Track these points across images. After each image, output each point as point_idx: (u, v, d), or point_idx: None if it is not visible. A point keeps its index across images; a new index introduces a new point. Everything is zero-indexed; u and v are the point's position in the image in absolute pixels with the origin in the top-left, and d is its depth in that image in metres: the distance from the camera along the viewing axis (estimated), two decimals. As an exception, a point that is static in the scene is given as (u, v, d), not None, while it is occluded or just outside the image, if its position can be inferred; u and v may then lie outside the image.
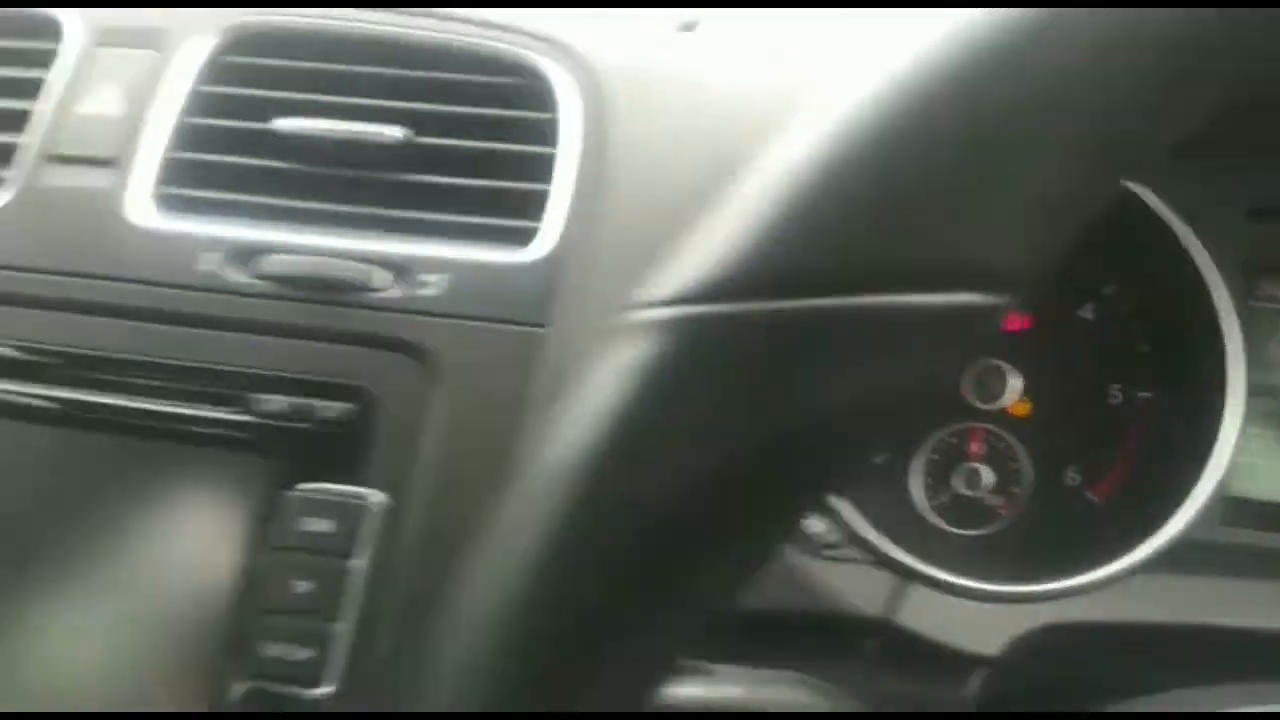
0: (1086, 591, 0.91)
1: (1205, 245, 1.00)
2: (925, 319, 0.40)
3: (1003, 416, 1.13)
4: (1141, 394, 1.11)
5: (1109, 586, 0.92)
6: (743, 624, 0.84)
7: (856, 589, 0.88)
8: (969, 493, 1.12)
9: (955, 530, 1.13)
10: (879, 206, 0.39)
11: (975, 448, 1.14)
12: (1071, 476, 1.12)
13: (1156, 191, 0.98)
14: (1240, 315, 1.05)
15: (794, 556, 0.88)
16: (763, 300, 0.39)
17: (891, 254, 0.39)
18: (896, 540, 0.97)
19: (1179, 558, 0.97)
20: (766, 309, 0.39)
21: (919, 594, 0.89)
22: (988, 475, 1.12)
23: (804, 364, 0.39)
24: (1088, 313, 1.13)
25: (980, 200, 0.40)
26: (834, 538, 0.88)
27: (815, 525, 0.88)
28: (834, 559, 0.88)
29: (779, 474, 0.40)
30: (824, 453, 0.40)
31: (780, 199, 0.39)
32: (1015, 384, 1.11)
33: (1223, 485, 1.00)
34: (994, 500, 1.13)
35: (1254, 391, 1.10)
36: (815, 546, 0.88)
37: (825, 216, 0.39)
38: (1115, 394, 1.12)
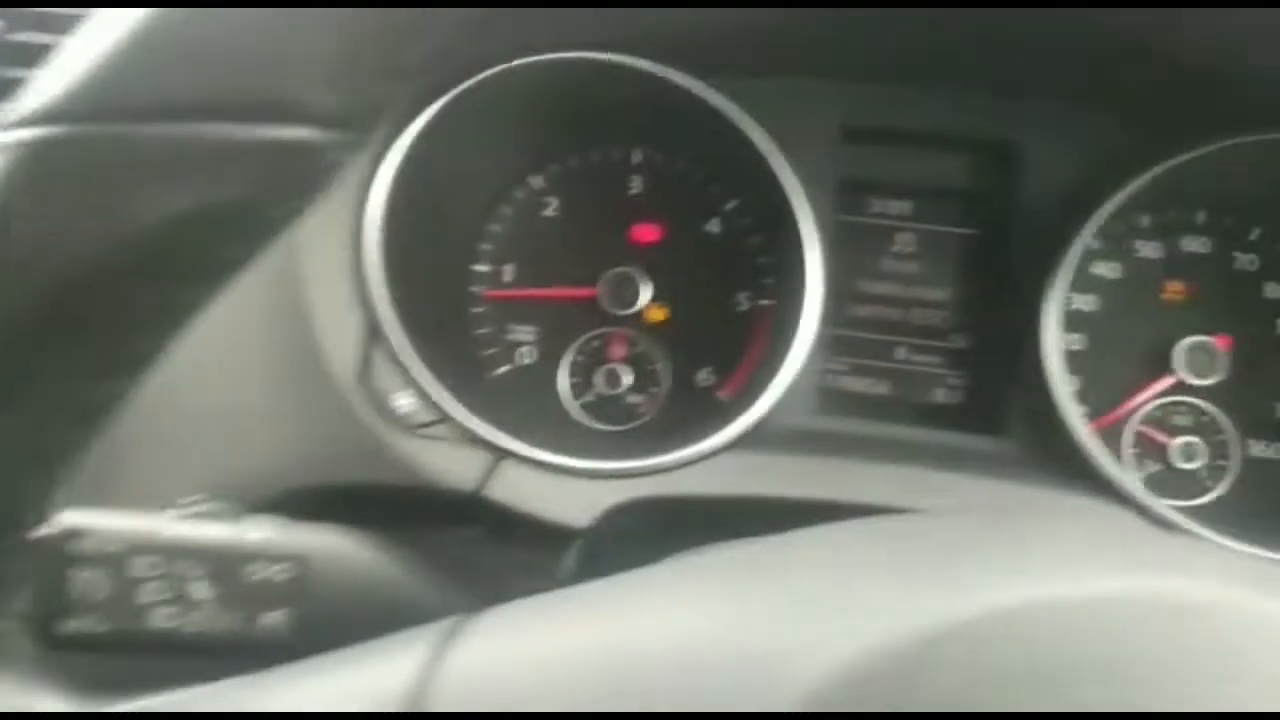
0: (670, 469, 1.00)
1: (797, 164, 1.10)
2: (250, 148, 0.46)
3: (641, 322, 1.22)
4: (763, 301, 1.21)
5: (698, 464, 1.02)
6: (334, 496, 0.90)
7: (451, 466, 0.95)
8: (609, 391, 1.21)
9: (599, 426, 1.22)
10: (203, 42, 0.45)
11: (616, 350, 1.22)
12: (705, 377, 1.23)
13: (748, 114, 1.07)
14: (829, 229, 1.17)
15: (387, 434, 0.94)
16: (96, 124, 0.44)
17: (216, 87, 0.45)
18: (532, 432, 1.05)
19: (774, 441, 1.08)
20: (100, 132, 0.44)
21: (514, 470, 0.97)
22: (627, 376, 1.21)
23: (136, 184, 0.44)
24: (714, 226, 1.23)
25: (297, 45, 0.46)
26: (426, 416, 0.95)
27: (405, 404, 0.94)
28: (425, 437, 0.95)
29: (123, 285, 0.45)
30: (166, 267, 0.46)
31: (116, 31, 0.44)
32: (647, 292, 1.20)
33: (804, 378, 1.11)
34: (635, 399, 1.23)
35: (855, 298, 1.23)
36: (407, 425, 0.94)
37: (152, 49, 0.44)
38: (742, 301, 1.22)
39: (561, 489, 0.96)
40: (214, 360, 0.92)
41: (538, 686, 0.45)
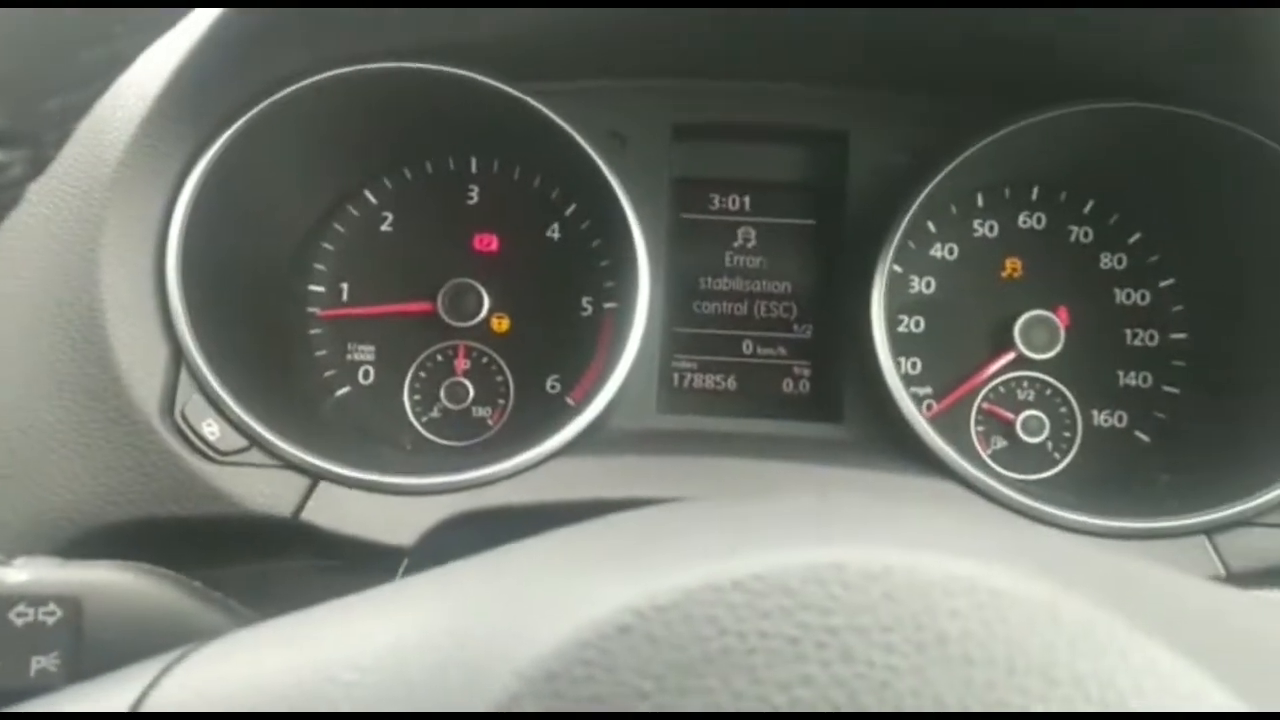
0: (501, 478, 0.98)
1: (626, 165, 1.09)
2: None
3: (485, 333, 1.20)
4: (608, 304, 1.20)
5: (532, 470, 0.99)
6: (142, 532, 0.86)
7: (266, 493, 0.92)
8: (454, 406, 1.18)
9: (445, 442, 1.19)
10: None
11: (460, 364, 1.20)
12: (552, 384, 1.20)
13: (574, 117, 1.06)
14: (667, 229, 1.16)
15: (196, 464, 0.91)
16: None
17: None
18: (359, 453, 1.02)
19: (614, 443, 1.06)
20: None
21: (333, 493, 0.94)
22: (471, 389, 1.18)
23: None
24: (554, 232, 1.21)
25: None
26: (235, 444, 0.92)
27: (213, 431, 0.91)
28: (236, 464, 0.92)
29: None
30: None
31: None
32: (489, 302, 1.18)
33: (644, 378, 1.10)
34: (481, 412, 1.20)
35: (700, 295, 1.22)
36: (217, 453, 0.91)
37: None
38: (586, 306, 1.21)
39: (385, 509, 0.94)
40: (3, 395, 0.88)
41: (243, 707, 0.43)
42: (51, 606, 0.69)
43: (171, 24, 0.50)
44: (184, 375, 0.92)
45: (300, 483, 0.93)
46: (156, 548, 0.86)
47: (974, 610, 0.40)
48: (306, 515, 0.92)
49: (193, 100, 0.94)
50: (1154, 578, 0.51)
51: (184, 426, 0.91)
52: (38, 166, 0.51)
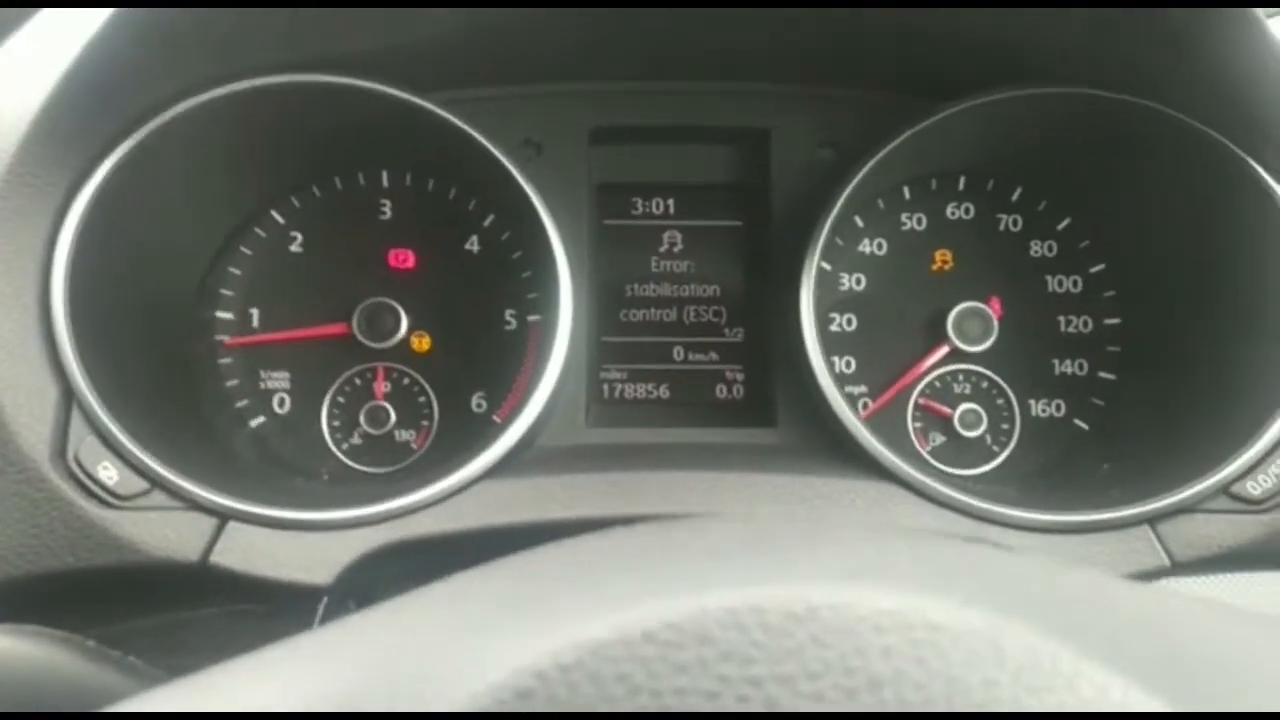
0: (424, 506, 0.93)
1: (540, 173, 1.05)
2: None
3: (405, 353, 1.15)
4: (532, 317, 1.15)
5: (456, 496, 0.95)
6: (39, 588, 0.80)
7: (170, 537, 0.86)
8: (375, 431, 1.13)
9: (367, 469, 1.14)
10: None
11: (380, 386, 1.15)
12: (478, 402, 1.16)
13: (485, 125, 1.01)
14: (589, 236, 1.12)
15: (94, 510, 0.85)
16: None
17: None
18: (270, 488, 0.96)
19: (541, 462, 1.01)
20: None
21: (244, 533, 0.88)
22: (393, 412, 1.13)
23: None
24: (473, 245, 1.17)
25: None
26: (135, 488, 0.86)
27: (109, 476, 0.85)
28: (137, 508, 0.86)
29: None
30: None
31: None
32: (407, 321, 1.13)
33: (570, 391, 1.06)
34: (405, 435, 1.15)
35: (626, 303, 1.18)
36: (113, 498, 0.85)
37: None
38: (510, 320, 1.16)
39: (300, 546, 0.89)
40: None
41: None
42: (-76, 681, 0.64)
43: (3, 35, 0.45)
44: (76, 416, 0.86)
45: (207, 524, 0.87)
46: (54, 604, 0.81)
47: (909, 648, 0.37)
48: (215, 558, 0.86)
49: (72, 125, 0.88)
50: (1094, 588, 0.48)
51: (78, 471, 0.85)
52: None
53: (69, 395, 0.87)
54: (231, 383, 1.14)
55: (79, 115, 0.89)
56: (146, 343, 1.01)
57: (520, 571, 0.46)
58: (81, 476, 0.85)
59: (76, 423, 0.87)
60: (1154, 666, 0.37)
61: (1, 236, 0.86)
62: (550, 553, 0.47)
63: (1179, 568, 0.90)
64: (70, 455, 0.85)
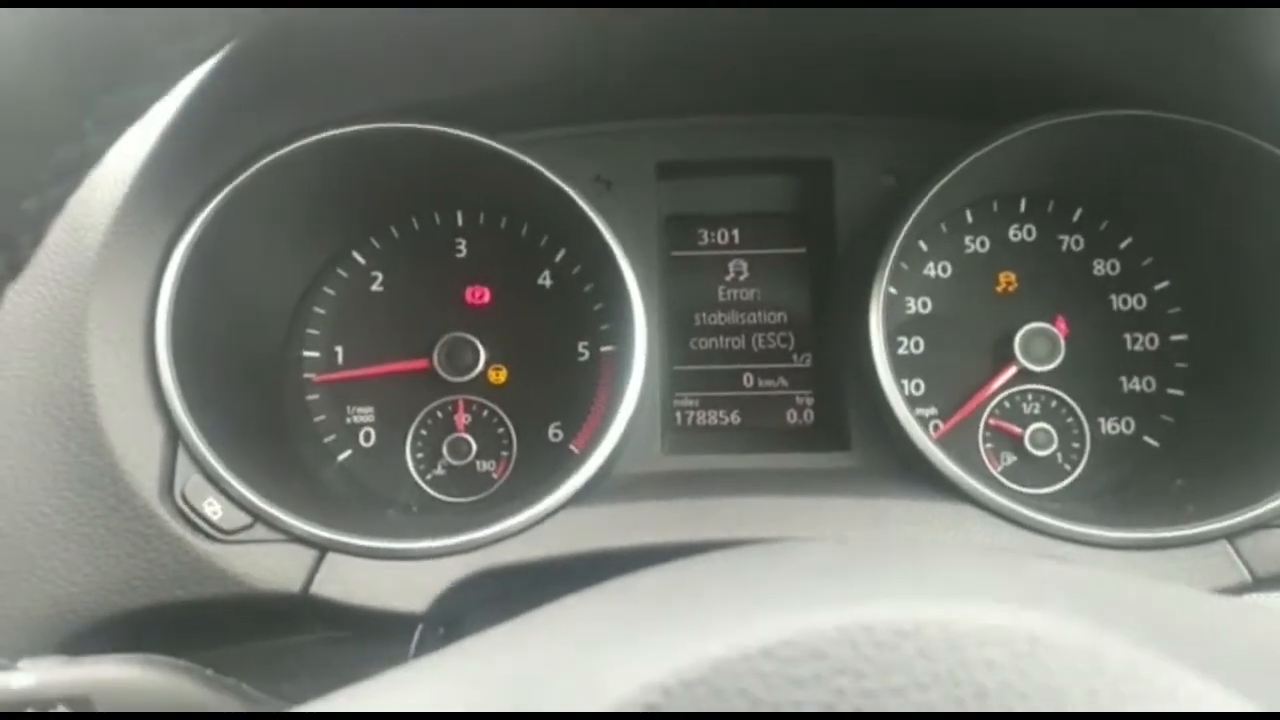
0: (509, 535, 0.97)
1: (612, 208, 1.09)
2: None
3: (483, 386, 1.19)
4: (605, 347, 1.19)
5: (540, 524, 0.98)
6: (148, 620, 0.84)
7: (273, 569, 0.90)
8: (456, 462, 1.17)
9: (450, 499, 1.18)
10: None
11: (461, 418, 1.19)
12: (554, 432, 1.19)
13: (555, 164, 1.05)
14: (659, 267, 1.16)
15: (200, 545, 0.89)
16: None
17: None
18: (364, 520, 1.00)
19: (620, 489, 1.04)
20: None
21: (341, 563, 0.92)
22: (473, 443, 1.17)
23: None
24: (545, 280, 1.20)
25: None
26: (238, 522, 0.90)
27: (214, 511, 0.89)
28: (241, 542, 0.90)
29: None
30: None
31: None
32: (485, 354, 1.17)
33: (645, 420, 1.09)
34: (485, 465, 1.19)
35: (696, 331, 1.21)
36: (219, 533, 0.89)
37: None
38: (583, 351, 1.19)
39: (395, 575, 0.92)
40: (-2, 491, 0.87)
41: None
42: (61, 708, 0.68)
43: (142, 113, 0.50)
44: (181, 455, 0.91)
45: (307, 556, 0.91)
46: (163, 634, 0.85)
47: (1011, 660, 0.39)
48: (316, 589, 0.90)
49: (171, 177, 0.94)
50: (1186, 602, 0.50)
51: (185, 508, 0.89)
52: (14, 269, 0.50)
53: (174, 435, 0.92)
54: (320, 418, 1.18)
55: (177, 168, 0.94)
56: (242, 382, 1.06)
57: (630, 594, 0.48)
58: (188, 512, 0.89)
59: (182, 461, 0.91)
60: (1250, 676, 0.39)
61: (108, 286, 0.91)
62: (657, 575, 0.49)
63: (1260, 583, 0.90)
64: (177, 492, 0.90)
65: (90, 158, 0.48)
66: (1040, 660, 0.39)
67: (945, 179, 1.07)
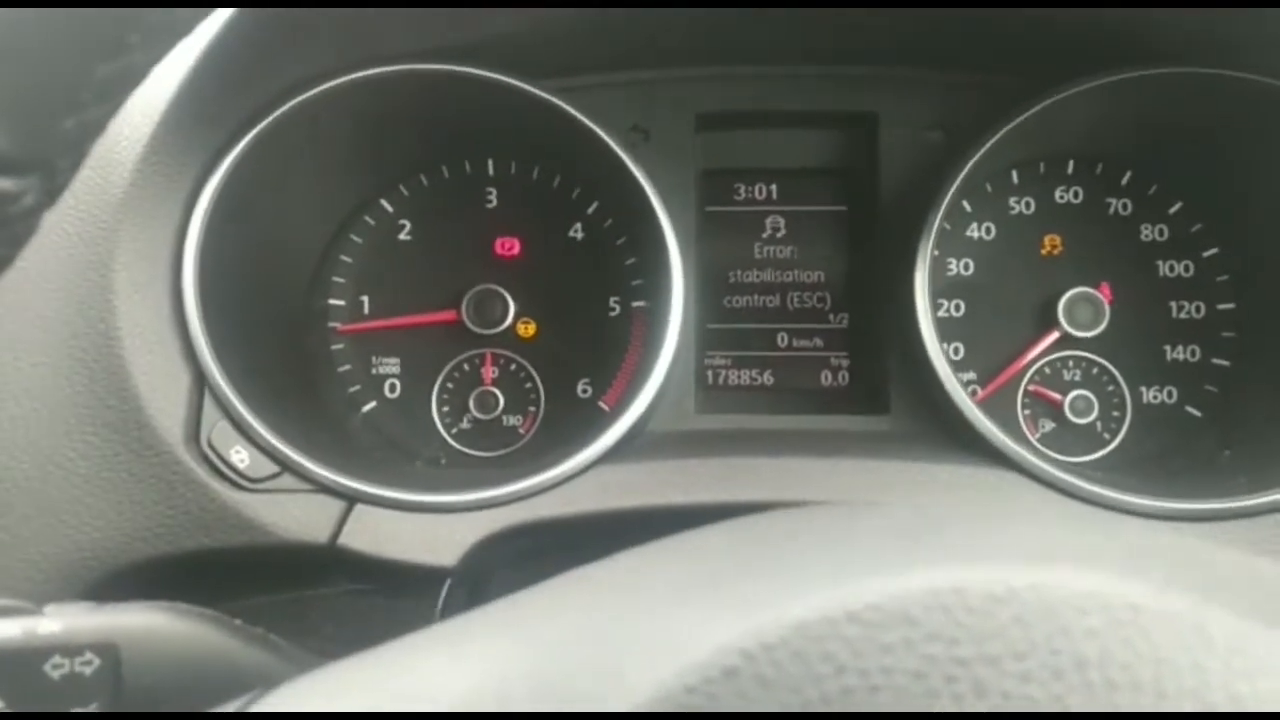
0: (542, 490, 0.94)
1: (650, 159, 1.05)
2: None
3: (512, 339, 1.16)
4: (637, 303, 1.16)
5: (572, 480, 0.96)
6: (173, 568, 0.83)
7: (301, 519, 0.88)
8: (484, 416, 1.15)
9: (477, 453, 1.16)
10: None
11: (488, 372, 1.16)
12: (583, 388, 1.17)
13: (593, 112, 1.02)
14: (694, 222, 1.12)
15: (227, 493, 0.87)
16: None
17: None
18: (393, 471, 0.98)
19: (653, 447, 1.02)
20: None
21: (370, 515, 0.90)
22: (501, 397, 1.15)
23: None
24: (577, 232, 1.17)
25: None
26: (265, 471, 0.88)
27: (243, 459, 0.87)
28: (268, 491, 0.88)
29: None
30: None
31: None
32: (514, 308, 1.14)
33: (679, 377, 1.06)
34: (513, 420, 1.17)
35: (730, 289, 1.18)
36: (245, 481, 0.87)
37: None
38: (614, 306, 1.17)
39: (425, 528, 0.90)
40: (18, 434, 0.84)
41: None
42: (88, 655, 0.66)
43: (188, 30, 0.47)
44: (208, 401, 0.89)
45: (335, 506, 0.89)
46: (188, 582, 0.83)
47: (1112, 629, 0.37)
48: (344, 540, 0.88)
49: (201, 114, 0.91)
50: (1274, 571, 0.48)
51: (211, 455, 0.87)
52: (52, 194, 0.48)
53: (201, 381, 0.90)
54: (344, 368, 1.16)
55: (207, 105, 0.91)
56: (269, 329, 1.03)
57: (700, 551, 0.46)
58: (215, 460, 0.87)
59: (209, 408, 0.89)
60: None
61: (136, 226, 0.89)
62: (725, 532, 0.47)
63: (1315, 558, 0.88)
64: (204, 439, 0.88)
65: (133, 76, 0.45)
66: (1144, 629, 0.37)
67: (997, 136, 1.03)
